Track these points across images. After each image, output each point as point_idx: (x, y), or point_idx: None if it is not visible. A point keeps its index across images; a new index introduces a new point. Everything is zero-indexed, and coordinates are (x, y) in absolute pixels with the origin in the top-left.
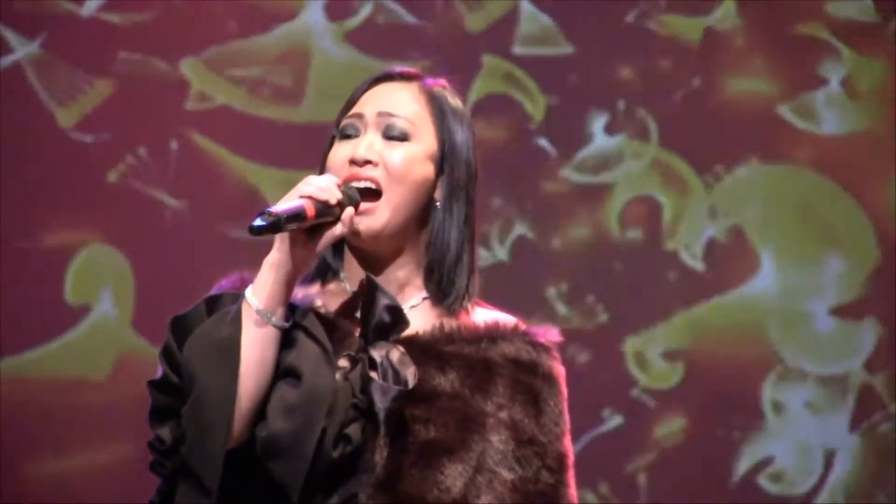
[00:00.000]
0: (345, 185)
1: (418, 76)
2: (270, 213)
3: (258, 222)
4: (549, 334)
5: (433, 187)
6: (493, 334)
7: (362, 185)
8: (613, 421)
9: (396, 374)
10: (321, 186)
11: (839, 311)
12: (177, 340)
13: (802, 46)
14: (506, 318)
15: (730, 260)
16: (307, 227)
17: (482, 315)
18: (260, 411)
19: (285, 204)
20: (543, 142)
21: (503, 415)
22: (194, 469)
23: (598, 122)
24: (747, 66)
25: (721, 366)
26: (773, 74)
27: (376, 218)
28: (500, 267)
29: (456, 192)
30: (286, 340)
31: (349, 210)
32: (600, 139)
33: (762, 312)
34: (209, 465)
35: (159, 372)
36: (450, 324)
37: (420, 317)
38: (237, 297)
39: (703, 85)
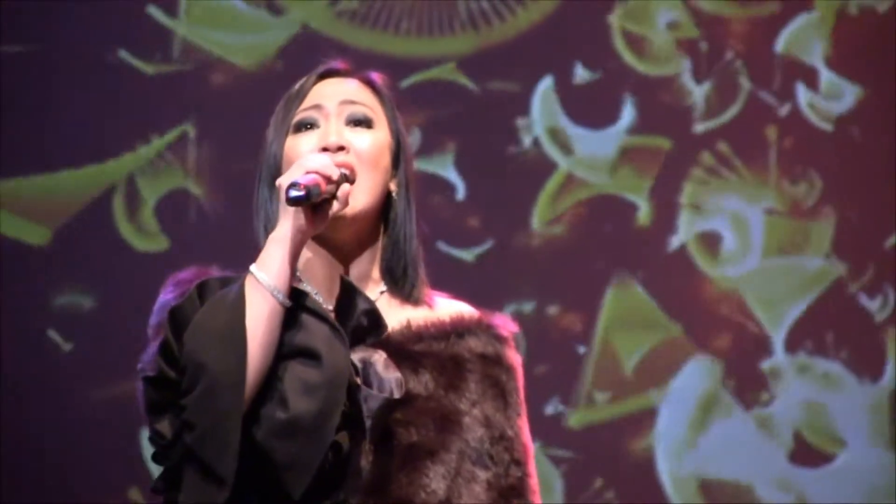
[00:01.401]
0: None
1: (358, 70)
2: (300, 185)
3: (295, 193)
4: (508, 325)
5: (390, 178)
6: (460, 328)
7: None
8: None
9: (381, 380)
10: (324, 163)
11: None
12: (174, 333)
13: None
14: (468, 310)
15: None
16: (318, 201)
17: (442, 305)
18: (264, 393)
19: (304, 177)
20: None
21: (476, 412)
22: (206, 459)
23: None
24: None
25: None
26: None
27: (356, 199)
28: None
29: (410, 184)
30: (288, 321)
31: (345, 187)
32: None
33: None
34: (225, 454)
35: (147, 354)
36: (416, 321)
37: (382, 311)
38: (225, 281)
39: None
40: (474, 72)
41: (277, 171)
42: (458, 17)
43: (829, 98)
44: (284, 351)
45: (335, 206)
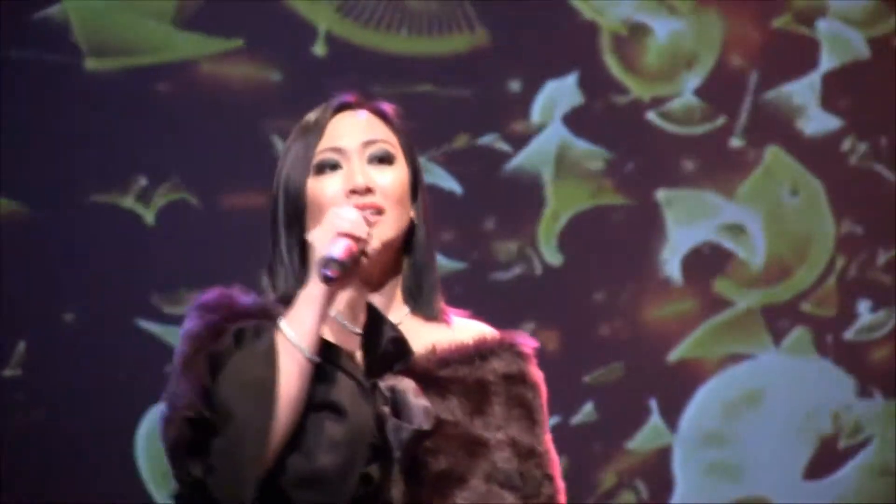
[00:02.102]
0: None
1: (368, 102)
2: (334, 261)
3: (330, 274)
4: (529, 342)
5: (410, 207)
6: (483, 350)
7: (367, 212)
8: None
9: (410, 409)
10: (354, 221)
11: None
12: (211, 375)
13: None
14: (489, 331)
15: None
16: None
17: (461, 325)
18: (290, 443)
19: (336, 246)
20: None
21: (501, 435)
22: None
23: None
24: None
25: None
26: None
27: (383, 230)
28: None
29: (428, 209)
30: (317, 374)
31: (374, 243)
32: None
33: None
34: (238, 502)
35: (172, 386)
36: (441, 345)
37: (407, 335)
38: (259, 328)
39: None
40: (470, 75)
41: (301, 213)
42: (455, 19)
43: (830, 108)
44: (313, 402)
45: (364, 261)
